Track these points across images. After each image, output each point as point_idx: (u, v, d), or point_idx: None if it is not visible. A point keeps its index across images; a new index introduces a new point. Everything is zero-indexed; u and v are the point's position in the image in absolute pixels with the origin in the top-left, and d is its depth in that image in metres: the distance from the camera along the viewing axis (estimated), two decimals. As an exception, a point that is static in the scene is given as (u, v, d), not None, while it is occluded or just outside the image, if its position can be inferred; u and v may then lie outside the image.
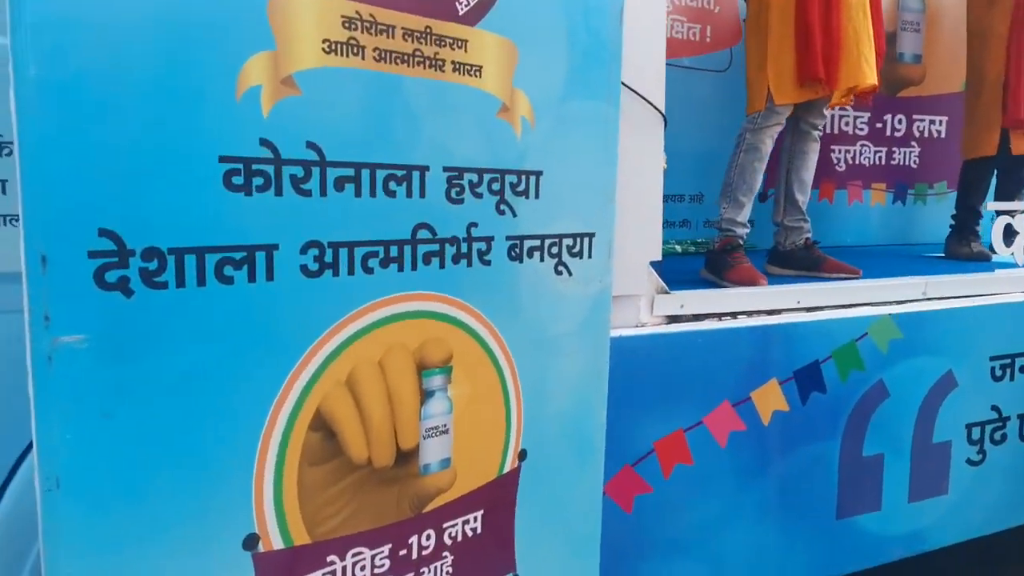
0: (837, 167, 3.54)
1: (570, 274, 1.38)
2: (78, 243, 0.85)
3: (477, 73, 1.18)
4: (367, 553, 1.17)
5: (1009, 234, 2.41)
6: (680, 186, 3.12)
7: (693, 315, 1.85)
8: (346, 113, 1.04)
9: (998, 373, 2.28)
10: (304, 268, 1.03)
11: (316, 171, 1.02)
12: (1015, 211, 2.42)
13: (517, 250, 1.29)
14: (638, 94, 1.60)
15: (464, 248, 1.22)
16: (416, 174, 1.13)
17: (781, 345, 1.89)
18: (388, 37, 1.06)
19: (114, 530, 0.92)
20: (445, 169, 1.17)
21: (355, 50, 1.03)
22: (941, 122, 3.74)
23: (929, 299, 2.20)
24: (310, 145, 1.01)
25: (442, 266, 1.20)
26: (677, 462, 1.78)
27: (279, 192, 0.99)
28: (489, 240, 1.25)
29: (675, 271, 1.87)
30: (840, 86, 2.20)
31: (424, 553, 1.25)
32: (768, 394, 1.88)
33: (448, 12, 1.12)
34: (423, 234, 1.16)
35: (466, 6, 1.14)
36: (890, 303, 2.12)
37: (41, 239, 0.83)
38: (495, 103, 1.21)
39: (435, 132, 1.15)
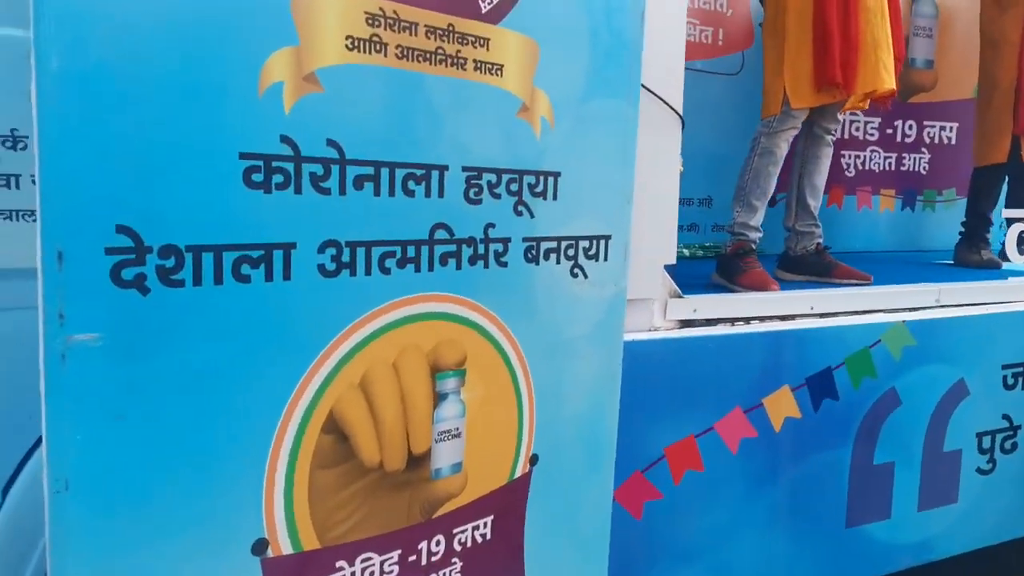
0: (847, 172, 3.53)
1: (586, 277, 1.36)
2: (95, 239, 0.83)
3: (498, 72, 1.16)
4: (376, 559, 1.16)
5: (1023, 241, 2.39)
6: (689, 189, 3.08)
7: (706, 320, 1.83)
8: (367, 111, 1.03)
9: (1010, 381, 2.27)
10: (321, 267, 1.02)
11: (336, 169, 1.00)
12: (1029, 219, 2.41)
13: (534, 252, 1.27)
14: (657, 95, 1.58)
15: (481, 249, 1.20)
16: (435, 173, 1.12)
17: (794, 351, 1.88)
18: (411, 35, 1.05)
19: (122, 533, 0.90)
20: (464, 169, 1.15)
21: (378, 47, 1.01)
22: (951, 128, 3.72)
23: (943, 306, 2.18)
24: (330, 143, 0.99)
25: (459, 267, 1.18)
26: (688, 468, 1.76)
27: (298, 190, 0.97)
28: (506, 241, 1.23)
29: (684, 275, 1.86)
30: (857, 90, 2.18)
31: (433, 559, 1.24)
32: (780, 400, 1.86)
33: (471, 10, 1.11)
34: (440, 234, 1.14)
35: (489, 4, 1.12)
36: (903, 310, 2.10)
37: (58, 235, 0.81)
38: (516, 102, 1.19)
39: (455, 131, 1.13)
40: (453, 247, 1.16)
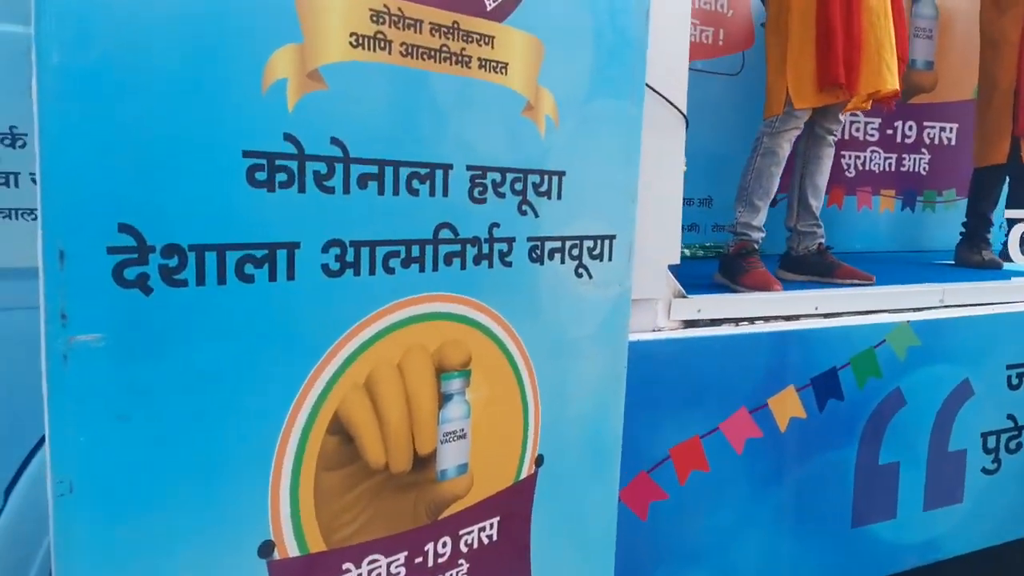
0: (847, 173, 3.52)
1: (590, 277, 1.35)
2: (97, 238, 0.82)
3: (503, 70, 1.15)
4: (383, 561, 1.14)
5: (1025, 242, 2.39)
6: (689, 189, 3.06)
7: (710, 320, 1.82)
8: (371, 109, 1.02)
9: (1014, 381, 2.26)
10: (325, 267, 1.01)
11: (339, 168, 1.00)
12: (1031, 219, 2.41)
13: (538, 251, 1.26)
14: (661, 95, 1.58)
15: (486, 249, 1.19)
16: (439, 172, 1.11)
17: (799, 351, 1.87)
18: (415, 32, 1.04)
19: (126, 536, 0.89)
20: (468, 168, 1.14)
21: (382, 44, 1.00)
22: (951, 129, 3.73)
23: (947, 307, 2.17)
24: (334, 141, 0.98)
25: (463, 267, 1.17)
26: (693, 469, 1.75)
27: (302, 189, 0.96)
28: (510, 241, 1.22)
29: (686, 275, 1.85)
30: (860, 91, 2.18)
31: (440, 561, 1.22)
32: (785, 401, 1.85)
33: (476, 7, 1.10)
34: (445, 234, 1.13)
35: (494, 2, 1.11)
36: (908, 310, 2.10)
37: (60, 234, 0.80)
38: (520, 101, 1.18)
39: (459, 130, 1.12)
40: (457, 247, 1.15)
